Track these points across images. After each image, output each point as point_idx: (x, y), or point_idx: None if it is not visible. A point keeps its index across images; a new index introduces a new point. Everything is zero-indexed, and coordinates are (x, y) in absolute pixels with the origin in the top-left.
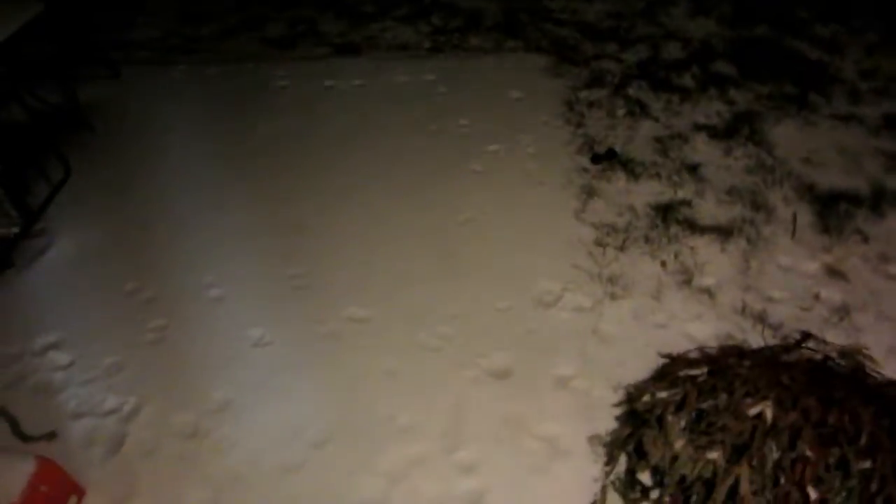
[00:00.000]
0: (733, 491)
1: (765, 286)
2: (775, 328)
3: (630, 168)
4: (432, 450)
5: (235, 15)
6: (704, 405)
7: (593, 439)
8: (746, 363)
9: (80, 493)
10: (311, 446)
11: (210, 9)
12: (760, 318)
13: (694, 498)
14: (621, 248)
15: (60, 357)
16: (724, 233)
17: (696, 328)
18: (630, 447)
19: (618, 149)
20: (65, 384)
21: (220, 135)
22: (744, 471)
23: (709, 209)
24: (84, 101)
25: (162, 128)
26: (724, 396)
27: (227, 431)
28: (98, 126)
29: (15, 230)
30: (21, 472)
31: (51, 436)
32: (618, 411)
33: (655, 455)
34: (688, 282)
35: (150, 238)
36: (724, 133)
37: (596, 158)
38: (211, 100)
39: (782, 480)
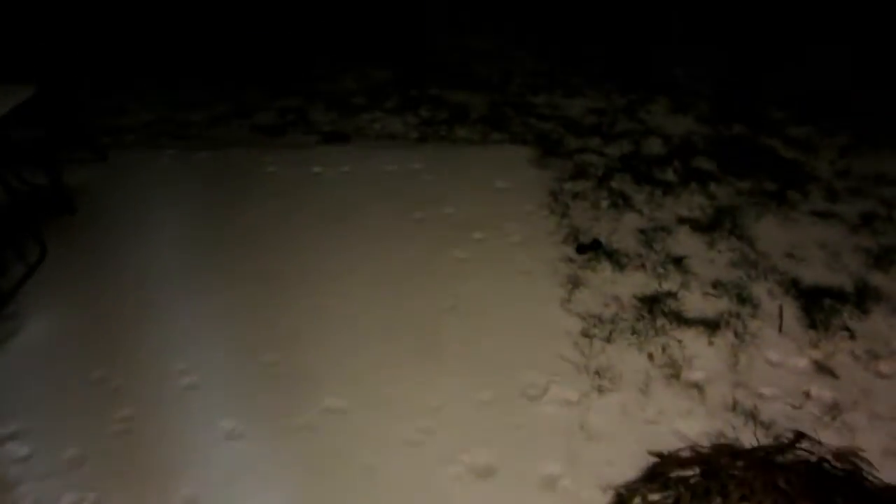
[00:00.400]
0: None
1: (754, 382)
2: (767, 426)
3: (615, 259)
4: None
5: (226, 103)
6: None
7: None
8: (740, 464)
9: None
10: None
11: (201, 96)
12: (752, 416)
13: None
14: (608, 340)
15: (19, 449)
16: (711, 325)
17: (687, 425)
18: None
19: (602, 239)
20: (21, 478)
21: (205, 219)
22: None
23: (695, 301)
24: (70, 183)
25: (146, 211)
26: (718, 500)
27: None
28: (81, 209)
29: None
30: None
31: None
32: None
33: None
34: (676, 376)
35: (123, 325)
36: (706, 226)
37: (581, 249)
38: (198, 184)
39: None
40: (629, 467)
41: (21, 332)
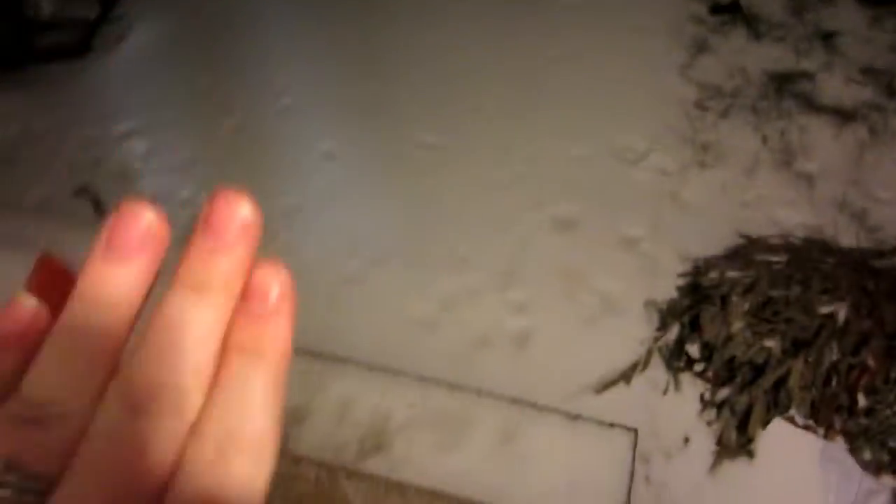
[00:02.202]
0: (780, 381)
1: (873, 183)
2: (872, 230)
3: (754, 26)
4: (487, 284)
5: None
6: (775, 293)
7: (649, 304)
8: (831, 260)
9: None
10: (370, 262)
11: None
12: (859, 217)
13: (738, 379)
14: (723, 115)
15: (138, 145)
16: (844, 116)
17: (786, 214)
18: (686, 319)
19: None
20: (142, 172)
21: None
22: (798, 364)
23: (834, 87)
24: None
25: None
26: (797, 289)
27: (293, 236)
28: None
29: (94, 14)
30: None
31: None
32: (681, 282)
33: (710, 331)
34: (788, 163)
35: (229, 35)
36: None
37: (717, 9)
38: None
39: (834, 382)
40: (714, 244)
41: (131, 36)
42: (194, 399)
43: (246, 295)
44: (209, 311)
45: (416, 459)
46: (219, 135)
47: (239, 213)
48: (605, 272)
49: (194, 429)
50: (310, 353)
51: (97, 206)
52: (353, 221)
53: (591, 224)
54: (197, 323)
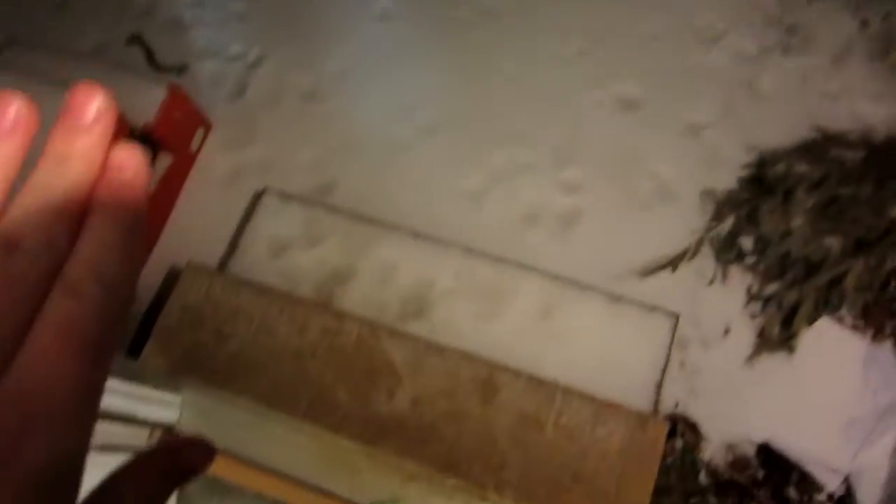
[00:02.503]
0: (835, 281)
1: None
2: None
3: None
4: (540, 160)
5: None
6: (844, 191)
7: (706, 194)
8: None
9: (206, 127)
10: (421, 130)
11: None
12: None
13: (790, 275)
14: None
15: None
16: None
17: (870, 109)
18: (743, 211)
19: None
20: (194, 22)
21: None
22: (858, 265)
23: None
24: None
25: None
26: (868, 188)
27: (343, 99)
28: None
29: None
30: (156, 96)
31: (182, 69)
32: (744, 173)
33: (768, 225)
34: (884, 53)
35: None
36: None
37: None
38: None
39: (892, 286)
40: (785, 136)
41: None
42: (62, 242)
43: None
44: (71, 175)
45: (456, 325)
46: None
47: (95, 99)
48: (665, 158)
49: (60, 271)
50: (356, 216)
51: (149, 56)
52: (406, 87)
53: (654, 106)
54: (61, 183)
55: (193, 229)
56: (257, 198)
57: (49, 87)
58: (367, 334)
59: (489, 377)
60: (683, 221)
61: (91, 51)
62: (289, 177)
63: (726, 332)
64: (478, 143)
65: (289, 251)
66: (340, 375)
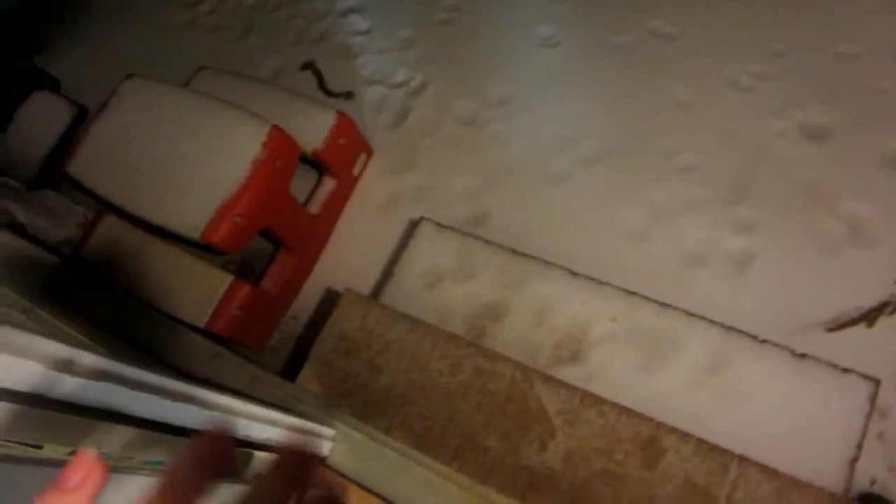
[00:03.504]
0: None
1: None
2: None
3: None
4: (710, 196)
5: None
6: None
7: None
8: None
9: (369, 152)
10: (581, 161)
11: None
12: None
13: None
14: None
15: (360, 22)
16: None
17: None
18: None
19: None
20: (362, 49)
21: None
22: None
23: None
24: None
25: None
26: None
27: (503, 126)
28: None
29: None
30: (324, 122)
31: (348, 95)
32: None
33: None
34: None
35: None
36: None
37: None
38: None
39: None
40: None
41: None
42: None
43: None
44: None
45: (614, 374)
46: (436, 16)
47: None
48: (858, 194)
49: None
50: (511, 250)
51: (320, 81)
52: (568, 115)
53: (848, 135)
54: None
55: (351, 253)
56: (413, 226)
57: (232, 109)
58: (520, 378)
59: (652, 437)
60: (882, 268)
61: (270, 75)
62: (445, 205)
63: None
64: (642, 176)
65: (442, 283)
66: (491, 420)
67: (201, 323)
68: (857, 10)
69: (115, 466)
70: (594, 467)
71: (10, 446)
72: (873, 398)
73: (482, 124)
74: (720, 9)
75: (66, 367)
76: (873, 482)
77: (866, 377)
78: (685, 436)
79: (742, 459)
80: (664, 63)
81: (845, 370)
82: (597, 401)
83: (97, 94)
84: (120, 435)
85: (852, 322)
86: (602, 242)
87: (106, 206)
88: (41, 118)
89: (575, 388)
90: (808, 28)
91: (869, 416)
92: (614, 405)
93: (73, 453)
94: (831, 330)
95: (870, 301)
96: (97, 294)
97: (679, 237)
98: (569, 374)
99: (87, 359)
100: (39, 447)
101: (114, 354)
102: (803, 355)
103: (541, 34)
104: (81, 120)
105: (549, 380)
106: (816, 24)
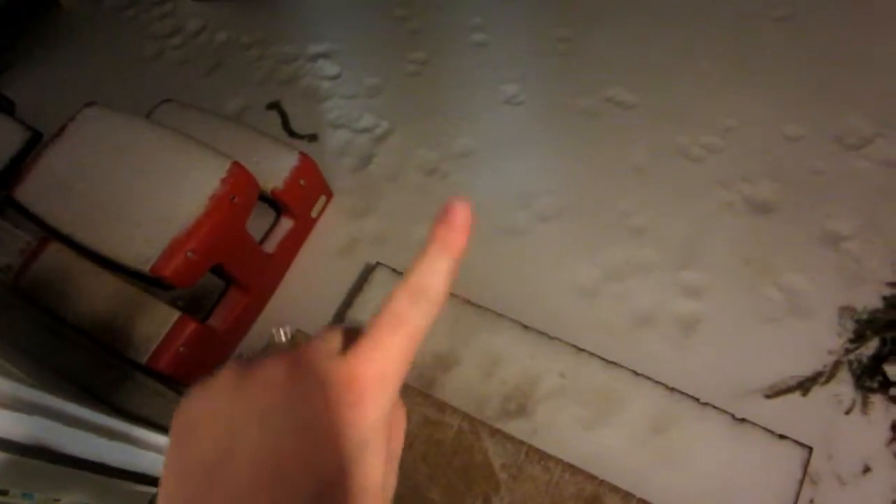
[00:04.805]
0: None
1: None
2: None
3: None
4: (659, 260)
5: None
6: None
7: (845, 311)
8: None
9: (329, 195)
10: (538, 217)
11: None
12: None
13: None
14: None
15: (330, 67)
16: None
17: None
18: (890, 336)
19: None
20: (329, 94)
21: None
22: None
23: None
24: None
25: None
26: None
27: (464, 178)
28: None
29: None
30: (287, 162)
31: (312, 137)
32: (889, 292)
33: None
34: None
35: None
36: None
37: None
38: None
39: None
40: None
41: None
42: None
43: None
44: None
45: (560, 430)
46: (404, 67)
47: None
48: (798, 267)
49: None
50: (464, 300)
51: (285, 121)
52: (528, 172)
53: (790, 211)
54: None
55: (304, 295)
56: (369, 271)
57: (192, 143)
58: (467, 429)
59: (595, 495)
60: (817, 340)
61: (235, 112)
62: (402, 252)
63: (865, 470)
64: (595, 235)
65: None
66: (437, 472)
67: (143, 359)
68: (804, 93)
69: None
70: None
71: None
72: (806, 465)
73: (444, 175)
74: (677, 82)
75: None
76: None
77: (800, 444)
78: (627, 495)
79: None
80: (622, 128)
81: (781, 436)
82: (542, 456)
83: (55, 120)
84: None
85: (789, 390)
86: (554, 297)
87: (52, 235)
88: None
89: (521, 443)
90: (758, 107)
91: (801, 482)
92: (559, 461)
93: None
94: (769, 396)
95: (805, 370)
96: (34, 325)
97: (628, 296)
98: (515, 427)
99: (19, 391)
100: None
101: (49, 388)
102: (742, 420)
103: (505, 92)
104: (34, 145)
105: (496, 433)
106: (766, 104)
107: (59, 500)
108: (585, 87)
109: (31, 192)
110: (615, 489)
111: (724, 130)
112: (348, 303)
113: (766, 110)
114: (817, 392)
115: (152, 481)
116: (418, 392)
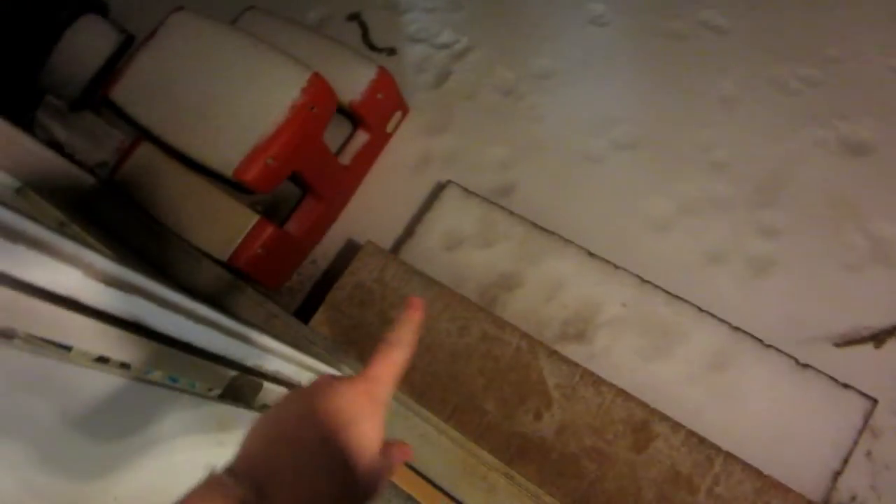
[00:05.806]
0: None
1: None
2: None
3: None
4: (738, 197)
5: None
6: None
7: None
8: None
9: (405, 110)
10: (616, 144)
11: None
12: None
13: None
14: None
15: None
16: None
17: None
18: None
19: None
20: (410, 6)
21: None
22: None
23: None
24: None
25: None
26: None
27: (541, 100)
28: None
29: None
30: (365, 75)
31: (391, 51)
32: None
33: None
34: None
35: None
36: None
37: None
38: None
39: None
40: None
41: None
42: None
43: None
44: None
45: (617, 358)
46: None
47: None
48: (890, 215)
49: None
50: (532, 224)
51: (365, 33)
52: (609, 97)
53: (887, 154)
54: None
55: (376, 208)
56: (440, 188)
57: (275, 52)
58: (525, 348)
59: (645, 422)
60: None
61: (315, 22)
62: (473, 171)
63: None
64: (673, 168)
65: (462, 247)
66: (492, 384)
67: (224, 257)
68: None
69: (136, 377)
70: (584, 443)
71: (41, 345)
72: (868, 416)
73: (521, 95)
74: (776, 7)
75: (103, 278)
76: (853, 498)
77: (865, 395)
78: (677, 425)
79: (728, 456)
80: (712, 55)
81: (845, 386)
82: (596, 380)
83: (145, 23)
84: (144, 348)
85: (861, 340)
86: (624, 227)
87: (143, 134)
88: (88, 41)
89: (576, 365)
90: (865, 38)
91: (860, 432)
92: (612, 386)
93: (100, 360)
94: (838, 345)
95: (882, 322)
96: (127, 217)
97: (701, 232)
98: (573, 351)
99: (121, 272)
100: (68, 349)
101: (145, 273)
102: (806, 365)
103: (591, 11)
104: (127, 47)
105: (552, 353)
106: (875, 35)
107: (153, 372)
108: (677, 9)
109: (125, 93)
110: (665, 418)
111: (826, 62)
112: (418, 218)
113: (875, 41)
114: (892, 345)
115: (231, 364)
116: (480, 308)
